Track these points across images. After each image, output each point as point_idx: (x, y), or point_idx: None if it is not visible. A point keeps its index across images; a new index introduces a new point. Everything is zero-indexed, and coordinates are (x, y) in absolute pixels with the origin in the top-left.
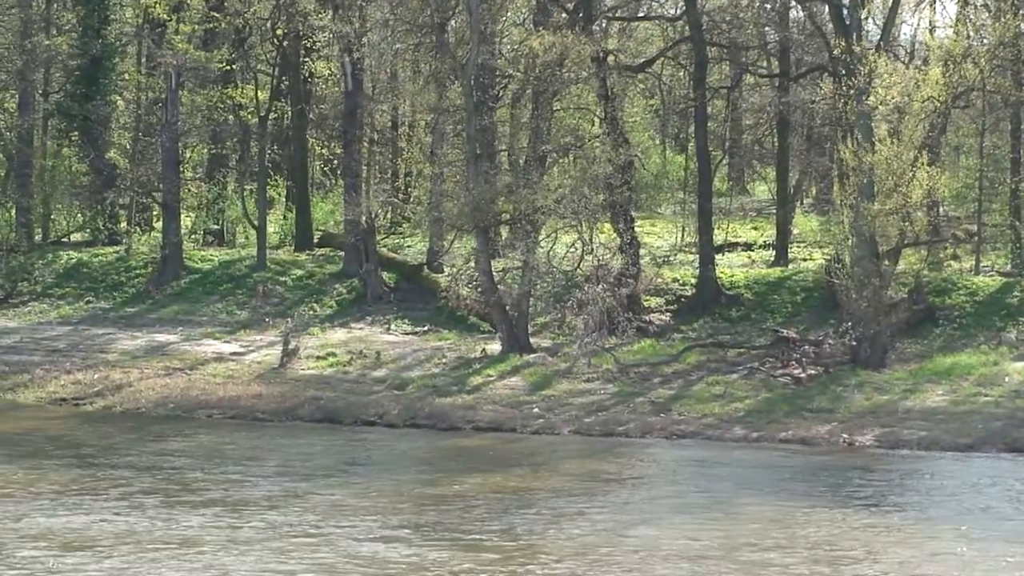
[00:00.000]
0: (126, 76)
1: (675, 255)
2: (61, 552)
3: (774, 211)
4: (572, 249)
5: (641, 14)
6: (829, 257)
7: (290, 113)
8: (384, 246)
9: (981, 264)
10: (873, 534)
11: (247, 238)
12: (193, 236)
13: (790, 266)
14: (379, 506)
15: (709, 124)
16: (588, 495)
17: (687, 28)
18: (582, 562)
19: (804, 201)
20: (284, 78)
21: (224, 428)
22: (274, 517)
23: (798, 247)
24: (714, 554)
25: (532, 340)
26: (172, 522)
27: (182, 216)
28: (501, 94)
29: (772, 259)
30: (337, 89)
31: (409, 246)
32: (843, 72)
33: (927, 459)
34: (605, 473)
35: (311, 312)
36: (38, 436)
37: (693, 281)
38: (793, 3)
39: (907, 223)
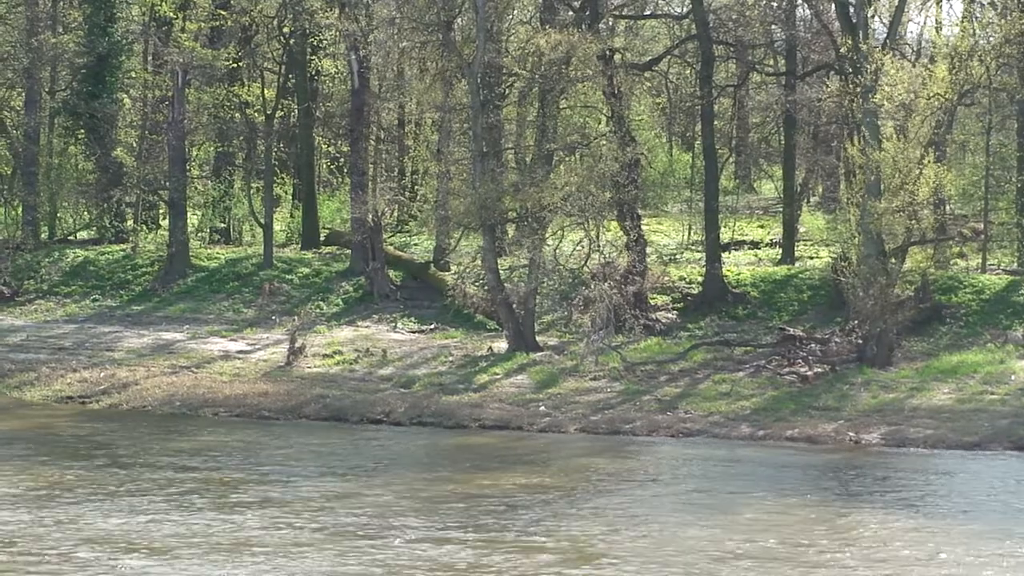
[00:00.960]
0: (132, 74)
1: (681, 253)
2: (125, 554)
3: (780, 209)
4: (579, 247)
5: (648, 12)
6: (835, 255)
7: (297, 111)
8: (391, 244)
9: (987, 262)
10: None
11: (253, 236)
12: (199, 234)
13: (796, 264)
14: (425, 506)
15: (716, 122)
16: (618, 494)
17: (694, 26)
18: (650, 564)
19: (810, 199)
20: (291, 76)
21: (236, 426)
22: (325, 518)
23: (804, 245)
24: (779, 555)
25: (539, 338)
26: (228, 523)
27: (188, 214)
28: (507, 92)
29: (778, 257)
30: (344, 87)
31: (416, 244)
32: (850, 70)
33: (933, 457)
34: (624, 471)
35: (317, 310)
36: (58, 435)
37: (700, 279)
38: (800, 1)
39: (913, 221)
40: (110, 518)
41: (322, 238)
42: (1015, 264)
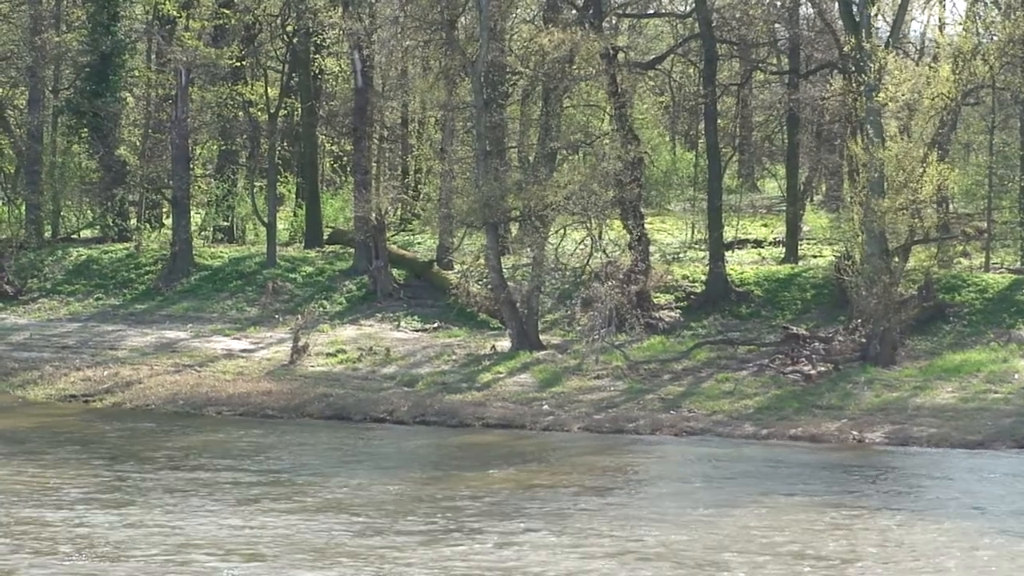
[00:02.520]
0: (136, 73)
1: (685, 252)
2: (226, 558)
3: (784, 208)
4: (582, 246)
5: (651, 11)
6: (839, 254)
7: (300, 110)
8: (394, 243)
9: (991, 261)
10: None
11: (257, 235)
12: (203, 233)
13: (800, 263)
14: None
15: (719, 121)
16: (622, 493)
17: (697, 25)
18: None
19: (814, 198)
20: (294, 75)
21: (244, 425)
22: (406, 522)
23: (808, 244)
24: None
25: (542, 337)
26: (311, 527)
27: (192, 213)
28: (511, 91)
29: (782, 256)
30: (347, 86)
31: (419, 243)
32: (853, 69)
33: (937, 456)
34: (628, 470)
35: (321, 309)
36: (79, 434)
37: (703, 278)
38: (803, 0)
39: (917, 220)
40: (195, 520)
41: (325, 237)
42: (1018, 263)
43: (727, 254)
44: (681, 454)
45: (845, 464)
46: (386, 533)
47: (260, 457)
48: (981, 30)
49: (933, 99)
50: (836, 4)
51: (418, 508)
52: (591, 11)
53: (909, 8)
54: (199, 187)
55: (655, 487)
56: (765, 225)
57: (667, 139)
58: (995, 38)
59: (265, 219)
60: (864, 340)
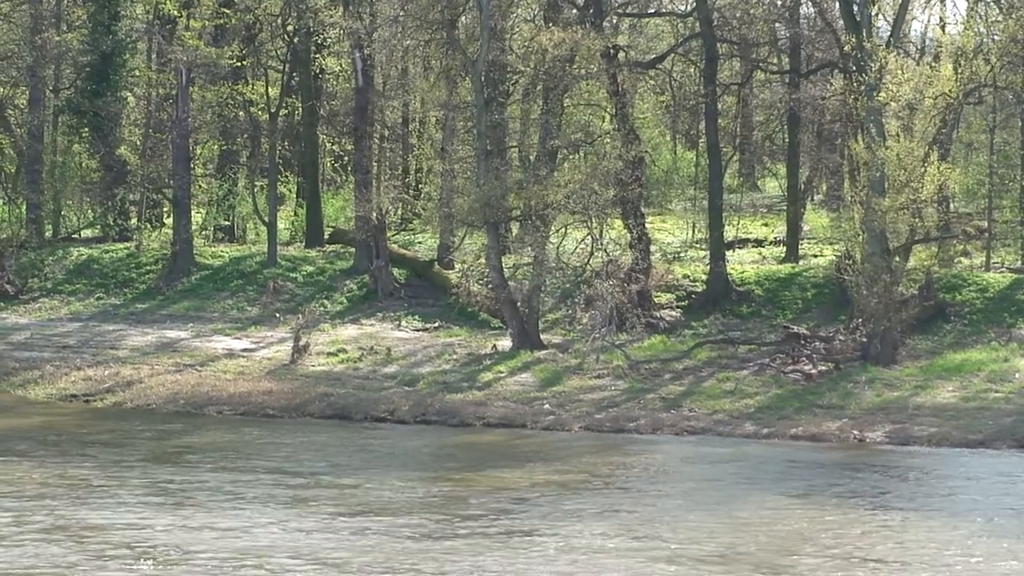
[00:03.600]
0: (136, 72)
1: (685, 251)
2: (321, 568)
3: (785, 207)
4: (582, 245)
5: (651, 10)
6: (840, 253)
7: (301, 109)
8: (395, 242)
9: (992, 260)
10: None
11: (258, 234)
12: (204, 232)
13: (801, 262)
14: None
15: (720, 120)
16: (623, 492)
17: (697, 24)
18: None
19: (815, 197)
20: (295, 74)
21: (248, 424)
22: (472, 522)
23: (809, 243)
24: (784, 554)
25: (542, 336)
26: (374, 532)
27: (193, 212)
28: (511, 90)
29: (783, 255)
30: (348, 85)
31: (420, 242)
32: (854, 68)
33: (938, 455)
34: (629, 470)
35: (322, 308)
36: (113, 435)
37: (704, 277)
38: None
39: (918, 219)
40: (254, 523)
41: (326, 236)
42: (1019, 262)
43: (728, 253)
44: (682, 454)
45: (846, 464)
46: (448, 536)
47: (288, 457)
48: (982, 29)
49: (934, 98)
50: (837, 3)
51: (469, 510)
52: (592, 10)
53: (910, 7)
54: (200, 187)
55: (656, 487)
56: (766, 224)
57: (668, 138)
58: (996, 37)
59: (266, 218)
60: (865, 339)
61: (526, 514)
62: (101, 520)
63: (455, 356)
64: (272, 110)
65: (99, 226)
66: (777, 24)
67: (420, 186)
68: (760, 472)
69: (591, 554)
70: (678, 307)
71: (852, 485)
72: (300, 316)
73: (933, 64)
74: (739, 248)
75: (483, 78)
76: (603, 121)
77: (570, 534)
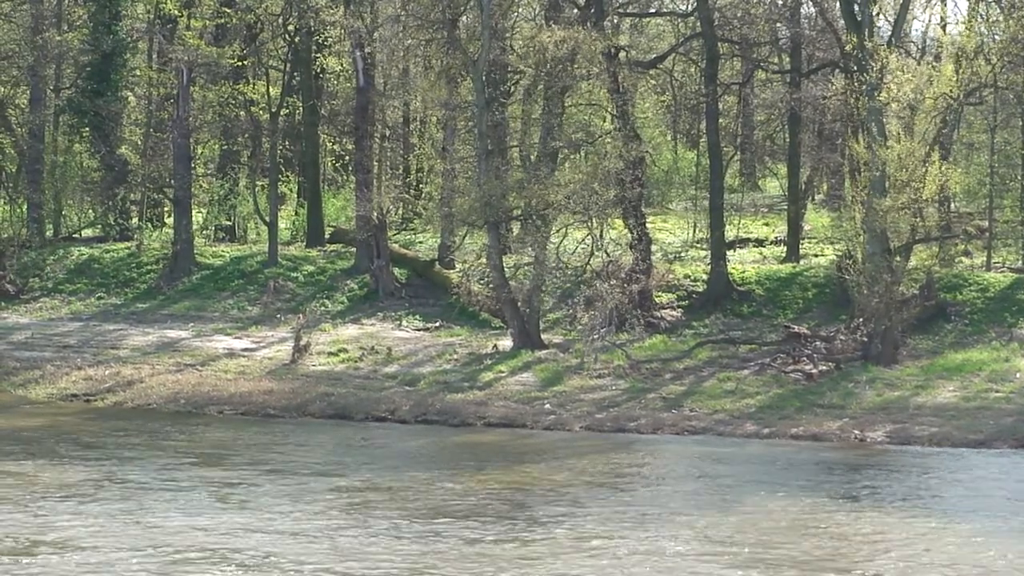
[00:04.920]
0: (137, 72)
1: (686, 251)
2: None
3: (785, 207)
4: (583, 245)
5: (652, 10)
6: (840, 253)
7: (301, 109)
8: (395, 242)
9: (992, 260)
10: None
11: (258, 234)
12: (204, 232)
13: (801, 262)
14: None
15: (720, 120)
16: (624, 492)
17: (699, 24)
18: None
19: (816, 197)
20: (296, 74)
21: (250, 424)
22: (567, 530)
23: (809, 243)
24: (786, 554)
25: (543, 336)
26: (457, 536)
27: (193, 212)
28: (512, 90)
29: (783, 255)
30: (349, 85)
31: (420, 242)
32: (855, 68)
33: (938, 455)
34: (630, 469)
35: (322, 308)
36: (145, 435)
37: (704, 277)
38: None
39: (919, 219)
40: (335, 533)
41: (327, 236)
42: (1020, 262)
43: (728, 253)
44: (683, 453)
45: (847, 463)
46: (512, 539)
47: (314, 457)
48: (983, 29)
49: (935, 98)
50: (838, 3)
51: (519, 512)
52: (593, 10)
53: (911, 7)
54: (200, 186)
55: (657, 487)
56: (767, 224)
57: (668, 138)
58: (997, 37)
59: (266, 218)
60: (866, 339)
61: (571, 515)
62: (172, 524)
63: (456, 356)
64: (273, 110)
65: (100, 226)
66: (778, 24)
67: (421, 186)
68: (760, 472)
69: (662, 557)
70: (679, 307)
71: (852, 485)
72: (301, 316)
73: (934, 64)
74: (740, 248)
75: (484, 78)
76: (604, 121)
77: (630, 537)
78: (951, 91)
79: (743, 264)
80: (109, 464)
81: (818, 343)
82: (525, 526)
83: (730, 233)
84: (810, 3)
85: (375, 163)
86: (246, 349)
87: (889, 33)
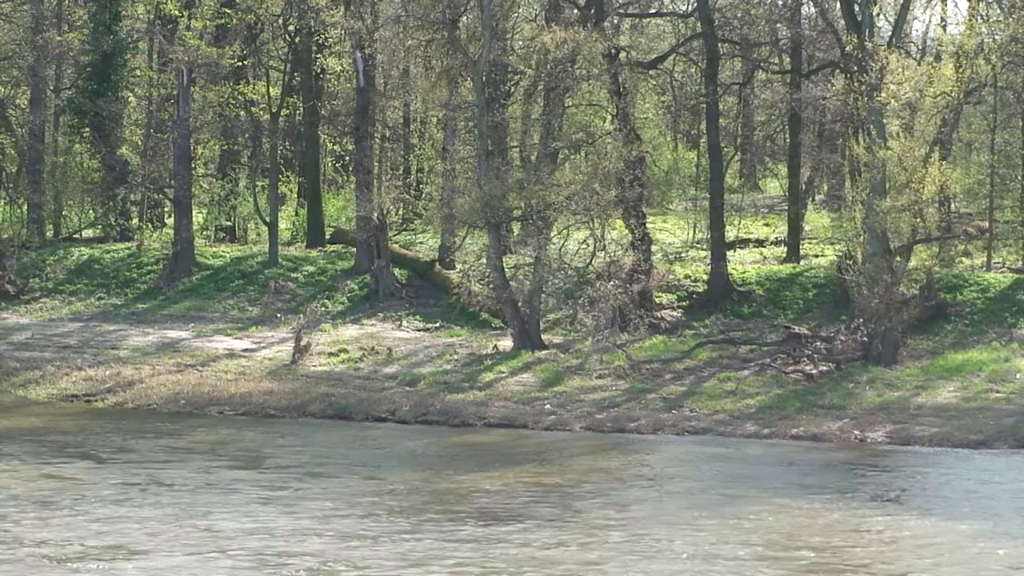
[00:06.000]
0: (138, 72)
1: (687, 251)
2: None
3: (786, 207)
4: (584, 245)
5: (653, 10)
6: (841, 253)
7: (302, 109)
8: (396, 242)
9: (993, 260)
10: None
11: (259, 234)
12: (205, 232)
13: (802, 262)
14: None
15: (721, 120)
16: (625, 492)
17: (699, 24)
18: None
19: (816, 197)
20: (296, 74)
21: (252, 424)
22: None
23: (810, 243)
24: (787, 554)
25: (544, 336)
26: (503, 539)
27: (194, 212)
28: (513, 90)
29: (784, 255)
30: (349, 85)
31: (421, 242)
32: (855, 68)
33: (939, 456)
34: (630, 470)
35: (323, 308)
36: (175, 436)
37: (705, 277)
38: None
39: (919, 219)
40: (403, 537)
41: (327, 236)
42: (1020, 262)
43: (729, 253)
44: (683, 454)
45: (847, 464)
46: (566, 543)
47: (349, 458)
48: (983, 29)
49: (935, 98)
50: (838, 3)
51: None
52: (593, 10)
53: (911, 7)
54: (201, 187)
55: (658, 487)
56: (767, 224)
57: (669, 138)
58: (997, 37)
59: (267, 219)
60: (866, 339)
61: (618, 515)
62: (227, 527)
63: (456, 356)
64: (273, 110)
65: (100, 226)
66: (778, 24)
67: (421, 186)
68: (760, 472)
69: (725, 561)
70: (679, 307)
71: (852, 485)
72: (301, 316)
73: (934, 64)
74: (740, 248)
75: (484, 78)
76: (604, 121)
77: (689, 539)
78: (951, 91)
79: (743, 264)
80: (147, 467)
81: (818, 343)
82: (581, 528)
83: (730, 233)
84: (810, 3)
85: (375, 163)
86: (246, 349)
87: (889, 33)
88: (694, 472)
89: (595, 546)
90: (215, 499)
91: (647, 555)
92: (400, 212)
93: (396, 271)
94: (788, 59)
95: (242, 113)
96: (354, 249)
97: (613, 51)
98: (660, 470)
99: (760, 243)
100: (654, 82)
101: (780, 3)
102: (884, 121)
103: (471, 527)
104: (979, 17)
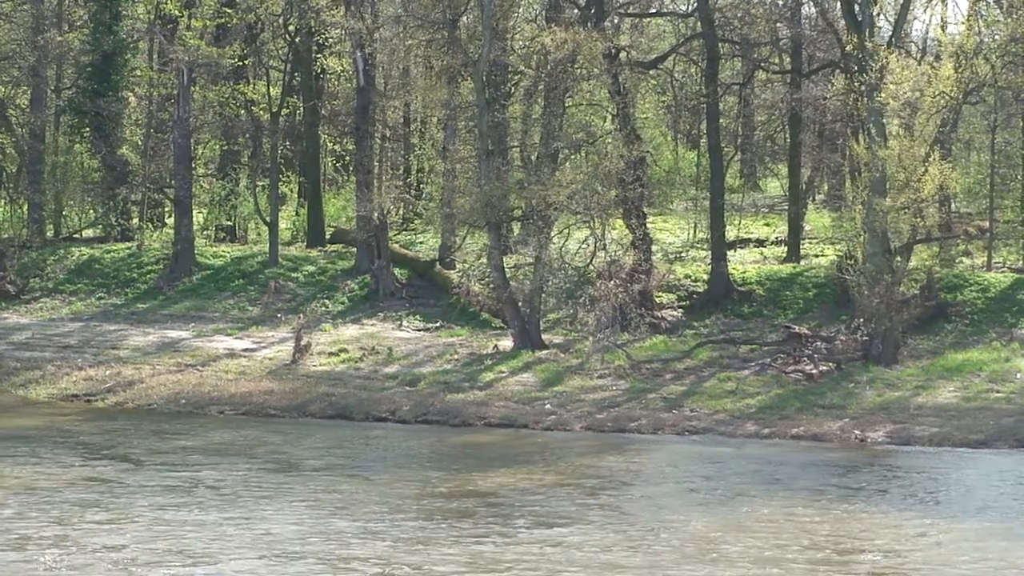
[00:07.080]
0: (138, 72)
1: (687, 251)
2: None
3: (786, 207)
4: (584, 245)
5: (653, 10)
6: (841, 253)
7: (302, 109)
8: (396, 242)
9: (993, 260)
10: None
11: (259, 234)
12: (205, 232)
13: (802, 262)
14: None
15: (721, 120)
16: (626, 492)
17: (699, 24)
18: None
19: (816, 197)
20: (296, 74)
21: (255, 424)
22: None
23: (810, 243)
24: (787, 554)
25: (544, 336)
26: (561, 541)
27: (194, 212)
28: (513, 90)
29: (784, 255)
30: (349, 85)
31: (421, 242)
32: (855, 68)
33: (939, 456)
34: (631, 470)
35: (323, 308)
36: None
37: (705, 277)
38: None
39: (919, 219)
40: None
41: (327, 236)
42: (1020, 262)
43: (729, 253)
44: (683, 454)
45: (847, 464)
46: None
47: (391, 460)
48: (983, 29)
49: (935, 98)
50: (838, 3)
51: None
52: (593, 10)
53: (911, 7)
54: (201, 186)
55: (658, 487)
56: (767, 224)
57: (669, 138)
58: (997, 37)
59: (267, 218)
60: (866, 339)
61: (643, 515)
62: (283, 530)
63: (456, 356)
64: (274, 110)
65: (100, 226)
66: (779, 24)
67: (421, 186)
68: (760, 472)
69: (778, 565)
70: (679, 307)
71: (852, 485)
72: (301, 316)
73: (934, 64)
74: (740, 248)
75: (484, 78)
76: (605, 121)
77: (735, 540)
78: (950, 91)
79: (744, 264)
80: (183, 469)
81: (819, 343)
82: (624, 528)
83: (731, 233)
84: (811, 3)
85: (376, 163)
86: (247, 349)
87: (889, 33)
88: (694, 472)
89: (653, 549)
90: (260, 501)
91: (641, 558)
92: (400, 212)
93: (396, 271)
94: (788, 59)
95: (242, 113)
96: (354, 249)
97: (613, 51)
98: (660, 470)
99: (760, 243)
100: (654, 82)
101: (780, 3)
102: (884, 121)
103: (526, 530)
104: (979, 17)
